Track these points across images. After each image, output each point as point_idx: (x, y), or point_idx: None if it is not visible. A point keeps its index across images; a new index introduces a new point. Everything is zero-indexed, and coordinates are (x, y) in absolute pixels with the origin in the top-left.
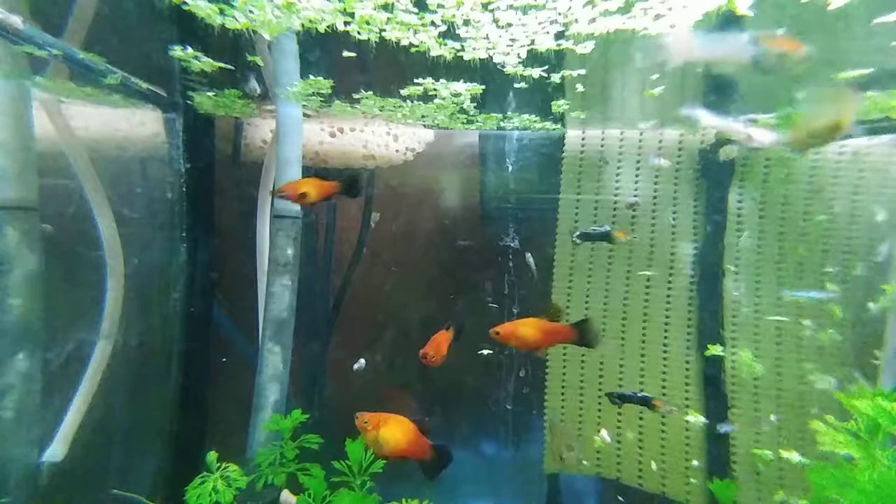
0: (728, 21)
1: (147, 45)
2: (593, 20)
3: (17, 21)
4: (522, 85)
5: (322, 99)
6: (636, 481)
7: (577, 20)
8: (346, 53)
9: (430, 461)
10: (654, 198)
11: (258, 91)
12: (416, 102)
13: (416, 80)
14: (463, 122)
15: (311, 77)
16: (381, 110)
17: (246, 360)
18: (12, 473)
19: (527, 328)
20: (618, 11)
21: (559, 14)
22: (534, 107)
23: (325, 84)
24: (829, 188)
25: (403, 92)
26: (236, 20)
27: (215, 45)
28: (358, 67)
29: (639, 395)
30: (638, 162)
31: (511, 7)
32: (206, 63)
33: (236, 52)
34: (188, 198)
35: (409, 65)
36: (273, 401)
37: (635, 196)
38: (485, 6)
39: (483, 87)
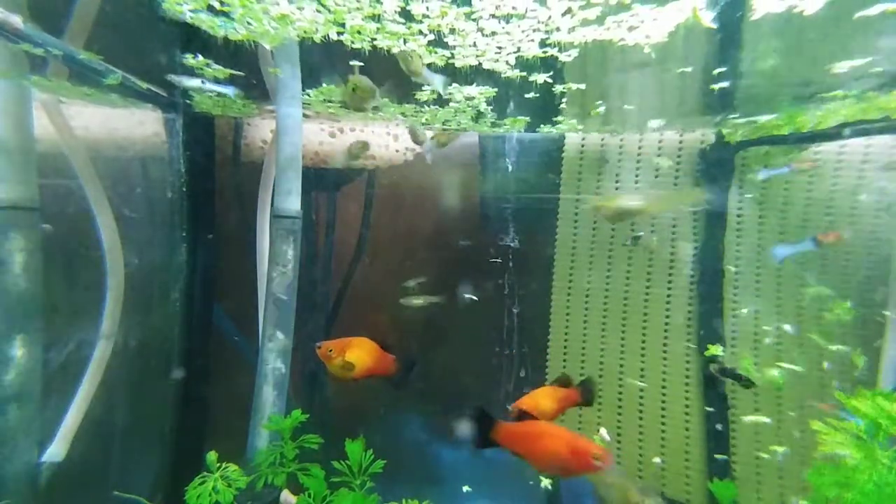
0: (727, 38)
1: (147, 45)
2: (573, 29)
3: (16, 21)
4: (533, 95)
5: (342, 105)
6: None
7: (558, 28)
8: (353, 62)
9: (397, 374)
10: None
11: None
12: (433, 107)
13: (423, 87)
14: (489, 126)
15: (325, 85)
16: (403, 116)
17: (246, 359)
18: (12, 474)
19: (546, 399)
20: (595, 21)
21: (540, 23)
22: (536, 110)
23: (336, 91)
24: (829, 188)
25: (419, 97)
26: (237, 32)
27: (218, 44)
28: (369, 75)
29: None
30: (638, 162)
31: (493, 16)
32: (217, 70)
33: (237, 52)
34: (188, 198)
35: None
36: (273, 400)
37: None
38: (468, 16)
39: (496, 90)
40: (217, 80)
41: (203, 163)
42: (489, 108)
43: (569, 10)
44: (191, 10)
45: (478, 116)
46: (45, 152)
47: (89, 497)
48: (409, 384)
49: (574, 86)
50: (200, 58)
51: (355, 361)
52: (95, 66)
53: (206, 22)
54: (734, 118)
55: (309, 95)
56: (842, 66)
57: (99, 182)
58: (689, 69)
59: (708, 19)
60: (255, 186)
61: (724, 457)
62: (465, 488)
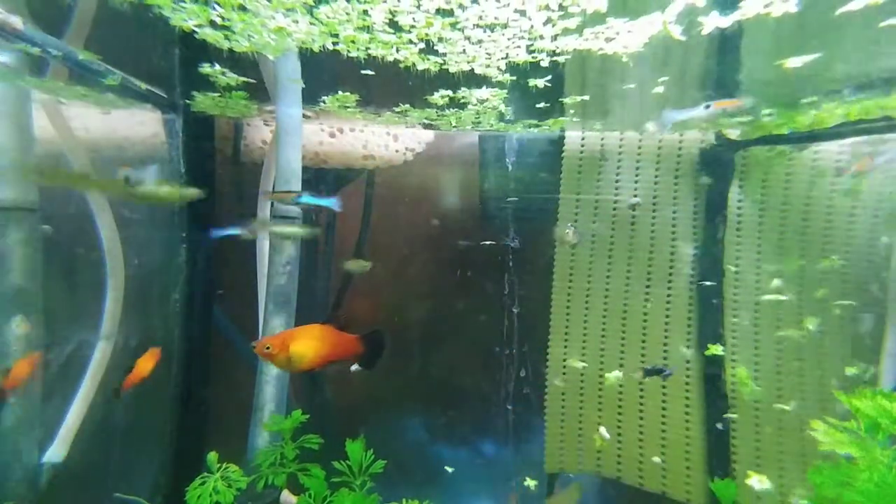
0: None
1: (147, 45)
2: (555, 37)
3: (16, 21)
4: (542, 105)
5: (372, 111)
6: (637, 480)
7: (541, 37)
8: (364, 71)
9: (363, 353)
10: (654, 198)
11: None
12: (452, 110)
13: (432, 92)
14: (524, 127)
15: (340, 92)
16: (428, 120)
17: (246, 360)
18: (13, 475)
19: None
20: (576, 31)
21: (523, 31)
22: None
23: (350, 98)
24: (829, 187)
25: (435, 102)
26: (241, 44)
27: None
28: (384, 82)
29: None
30: (638, 162)
31: (477, 26)
32: (231, 78)
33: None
34: None
35: (433, 78)
36: (273, 401)
37: (635, 196)
38: (453, 25)
39: (506, 92)
40: None
41: (203, 163)
42: (508, 108)
43: (549, 20)
44: (196, 25)
45: (501, 117)
46: (45, 153)
47: (90, 497)
48: (379, 363)
49: (579, 98)
50: (217, 66)
51: (303, 352)
52: (95, 67)
53: (211, 36)
54: (734, 118)
55: (325, 102)
56: (794, 62)
57: None
58: (688, 70)
59: (677, 32)
60: (255, 186)
61: (721, 426)
62: (449, 469)
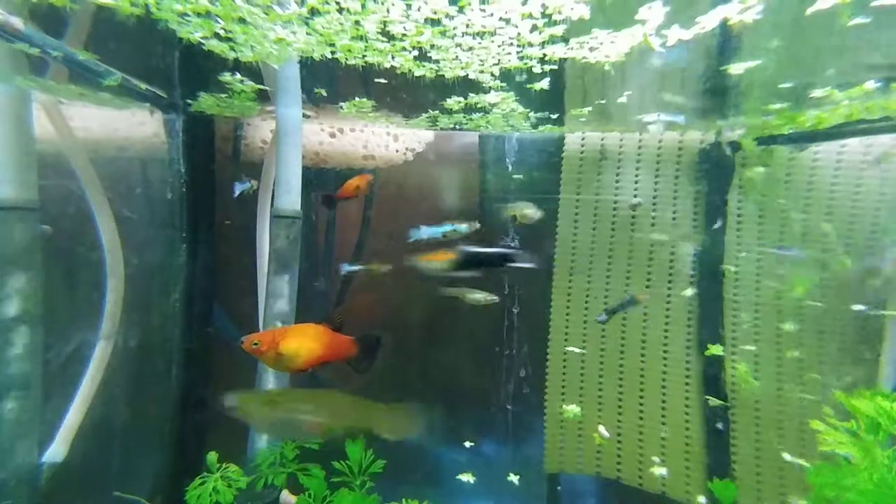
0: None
1: (146, 46)
2: (543, 44)
3: (17, 22)
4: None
5: (404, 117)
6: (636, 481)
7: (530, 44)
8: (377, 80)
9: (357, 356)
10: (654, 198)
11: None
12: (477, 114)
13: (444, 99)
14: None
15: (357, 99)
16: (458, 125)
17: (245, 359)
18: (13, 475)
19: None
20: (561, 40)
21: (511, 38)
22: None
23: (366, 104)
24: (829, 187)
25: (450, 106)
26: (245, 54)
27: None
28: (396, 89)
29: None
30: (638, 162)
31: (465, 34)
32: (248, 86)
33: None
34: (188, 198)
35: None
36: None
37: (636, 196)
38: (443, 33)
39: (511, 93)
40: None
41: (203, 163)
42: (528, 110)
43: (535, 28)
44: (202, 38)
45: (527, 119)
46: (45, 152)
47: (89, 497)
48: (373, 365)
49: (586, 110)
50: (238, 75)
51: (294, 351)
52: (95, 67)
53: (217, 47)
54: (734, 118)
55: (342, 108)
56: (737, 69)
57: (99, 183)
58: (689, 71)
59: (657, 44)
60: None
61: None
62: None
